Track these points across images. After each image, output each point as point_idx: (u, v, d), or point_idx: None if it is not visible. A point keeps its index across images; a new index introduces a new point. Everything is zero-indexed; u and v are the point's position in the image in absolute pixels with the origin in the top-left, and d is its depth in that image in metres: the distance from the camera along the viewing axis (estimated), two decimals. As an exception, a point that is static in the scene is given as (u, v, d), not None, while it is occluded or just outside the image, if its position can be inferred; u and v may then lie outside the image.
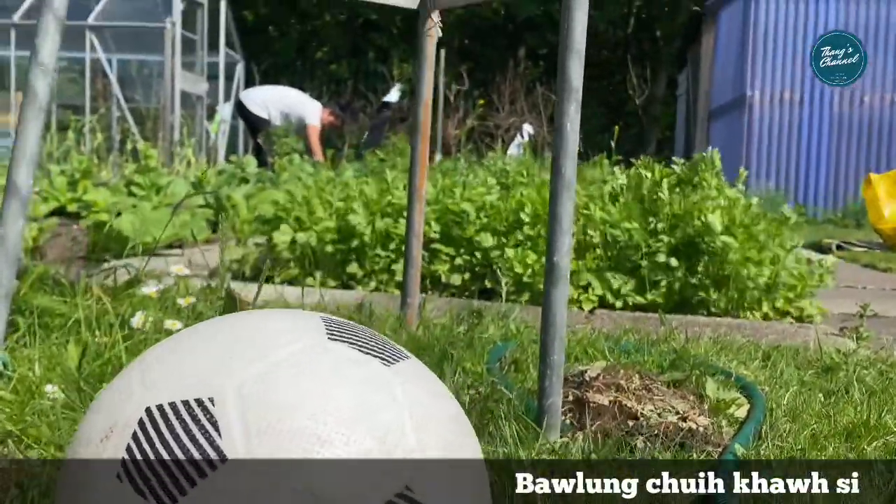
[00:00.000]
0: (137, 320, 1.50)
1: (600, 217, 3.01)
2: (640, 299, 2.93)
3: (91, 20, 12.24)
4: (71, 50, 13.27)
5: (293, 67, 22.88)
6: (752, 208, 3.75)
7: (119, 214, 5.08)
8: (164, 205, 6.11)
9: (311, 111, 10.67)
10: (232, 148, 14.28)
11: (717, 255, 2.89)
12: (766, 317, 2.89)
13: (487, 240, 3.00)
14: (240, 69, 14.73)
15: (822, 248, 6.97)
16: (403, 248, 3.03)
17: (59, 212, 5.72)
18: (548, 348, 1.37)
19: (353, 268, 3.00)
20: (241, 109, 11.06)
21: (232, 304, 2.04)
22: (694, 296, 2.91)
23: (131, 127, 12.54)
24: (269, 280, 3.05)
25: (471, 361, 1.67)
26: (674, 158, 5.92)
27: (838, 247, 6.85)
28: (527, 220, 3.04)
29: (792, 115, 11.22)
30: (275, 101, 10.85)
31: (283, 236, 2.97)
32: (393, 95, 17.33)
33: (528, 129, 14.40)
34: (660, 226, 2.98)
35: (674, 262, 2.91)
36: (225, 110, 14.68)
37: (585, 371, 1.62)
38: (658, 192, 3.02)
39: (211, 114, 14.07)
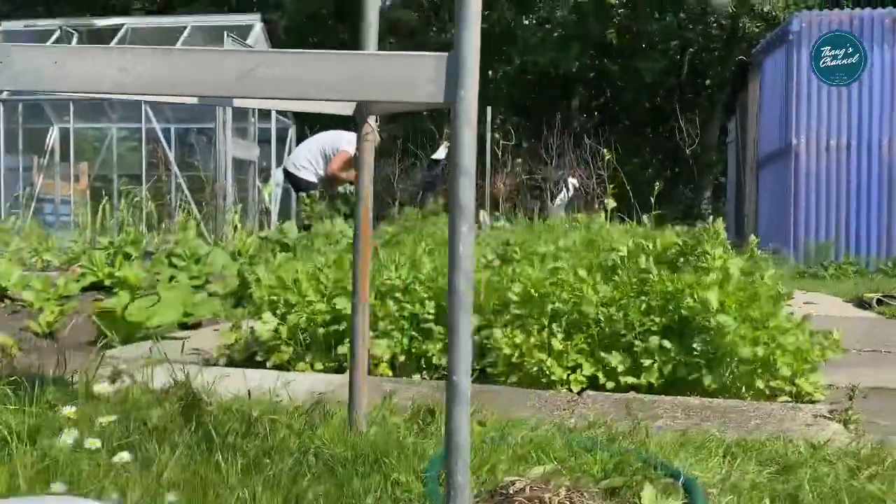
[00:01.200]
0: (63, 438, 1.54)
1: (594, 298, 2.98)
2: (632, 379, 2.87)
3: (145, 92, 12.70)
4: (128, 121, 13.82)
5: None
6: (764, 279, 3.67)
7: (136, 290, 5.22)
8: (203, 275, 6.25)
9: (348, 139, 10.44)
10: (286, 212, 14.45)
11: (711, 334, 2.83)
12: (760, 395, 2.81)
13: (474, 320, 2.99)
14: (291, 133, 15.09)
15: (862, 303, 6.75)
16: (390, 328, 3.05)
17: (97, 286, 5.89)
18: (452, 469, 1.36)
19: (343, 349, 3.02)
20: (288, 177, 10.87)
21: (193, 404, 2.07)
22: (688, 375, 2.84)
23: (186, 194, 12.91)
24: (261, 364, 3.09)
25: (406, 473, 1.65)
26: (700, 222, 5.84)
27: (879, 301, 6.62)
28: (515, 299, 3.03)
29: (840, 162, 10.98)
30: (314, 151, 10.54)
31: (265, 325, 3.01)
32: (441, 153, 17.52)
33: (572, 182, 14.37)
34: (653, 303, 2.94)
35: (666, 343, 2.86)
36: (278, 175, 15.02)
37: (514, 482, 1.60)
38: (650, 272, 2.99)
39: (266, 178, 14.41)
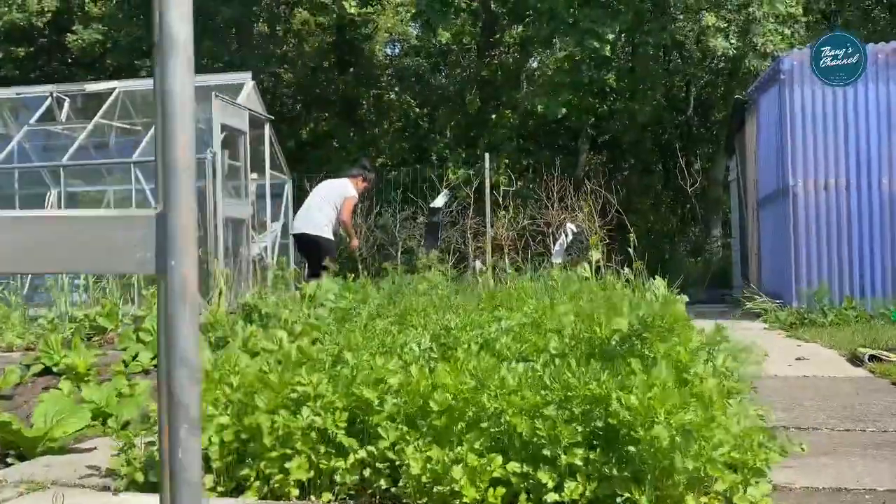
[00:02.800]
0: None
1: (518, 405, 2.74)
2: (556, 497, 2.62)
3: (136, 157, 12.67)
4: (122, 184, 13.78)
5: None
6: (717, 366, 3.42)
7: (84, 378, 5.01)
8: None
9: (347, 185, 10.36)
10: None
11: (638, 446, 2.58)
12: (693, 514, 2.55)
13: (391, 432, 2.76)
14: (288, 188, 14.99)
15: (855, 359, 6.43)
16: (300, 444, 2.82)
17: (51, 371, 5.69)
18: None
19: (245, 470, 2.80)
20: (307, 244, 10.49)
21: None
22: (615, 491, 2.59)
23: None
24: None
25: None
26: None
27: (871, 357, 6.30)
28: (435, 408, 2.80)
29: (839, 201, 10.68)
30: (326, 208, 10.39)
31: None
32: (439, 201, 17.36)
33: (571, 227, 14.10)
34: (575, 410, 2.70)
35: (592, 455, 2.61)
36: (274, 227, 14.91)
37: None
38: (570, 370, 2.75)
39: (261, 230, 14.26)
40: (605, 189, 16.88)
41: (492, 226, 16.11)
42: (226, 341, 6.12)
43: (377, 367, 2.96)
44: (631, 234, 10.69)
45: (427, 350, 3.55)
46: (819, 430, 4.26)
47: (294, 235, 11.18)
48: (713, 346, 3.70)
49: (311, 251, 10.25)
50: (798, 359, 6.74)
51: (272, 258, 14.13)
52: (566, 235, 14.69)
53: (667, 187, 26.56)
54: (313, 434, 2.86)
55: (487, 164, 16.39)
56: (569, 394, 2.74)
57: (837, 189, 10.71)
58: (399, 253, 14.89)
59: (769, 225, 12.25)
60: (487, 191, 16.25)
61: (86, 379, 5.03)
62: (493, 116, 23.68)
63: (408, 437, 2.77)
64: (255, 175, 13.48)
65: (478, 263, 11.96)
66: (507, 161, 22.34)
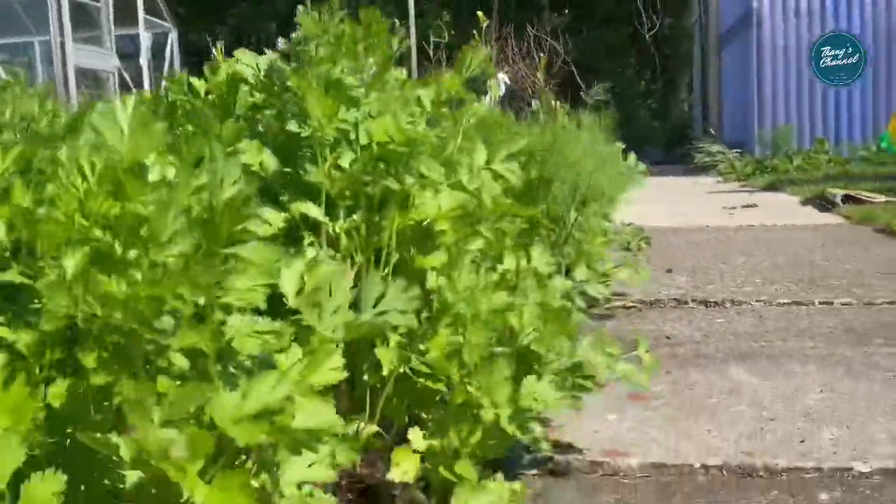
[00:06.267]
0: None
1: None
2: None
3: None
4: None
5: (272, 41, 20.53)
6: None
7: None
8: None
9: None
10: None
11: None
12: None
13: None
14: (173, 40, 12.76)
15: (824, 203, 4.68)
16: None
17: None
18: None
19: None
20: None
21: None
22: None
23: None
24: None
25: None
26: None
27: (845, 199, 4.54)
28: None
29: (812, 25, 8.73)
30: None
31: None
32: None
33: (503, 78, 12.20)
34: None
35: None
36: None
37: None
38: None
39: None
40: (563, 47, 14.87)
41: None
42: None
43: None
44: (588, 94, 8.71)
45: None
46: (743, 304, 2.52)
47: None
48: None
49: None
50: (747, 206, 4.99)
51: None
52: (499, 86, 12.76)
53: (634, 48, 24.26)
54: None
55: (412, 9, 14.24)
56: None
57: (810, 13, 8.76)
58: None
59: (731, 64, 10.33)
60: (414, 44, 14.17)
61: None
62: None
63: None
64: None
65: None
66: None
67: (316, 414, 0.80)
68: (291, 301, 0.84)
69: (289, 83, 1.37)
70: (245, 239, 0.69)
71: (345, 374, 0.85)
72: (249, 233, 0.69)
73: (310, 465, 0.84)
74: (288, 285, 0.83)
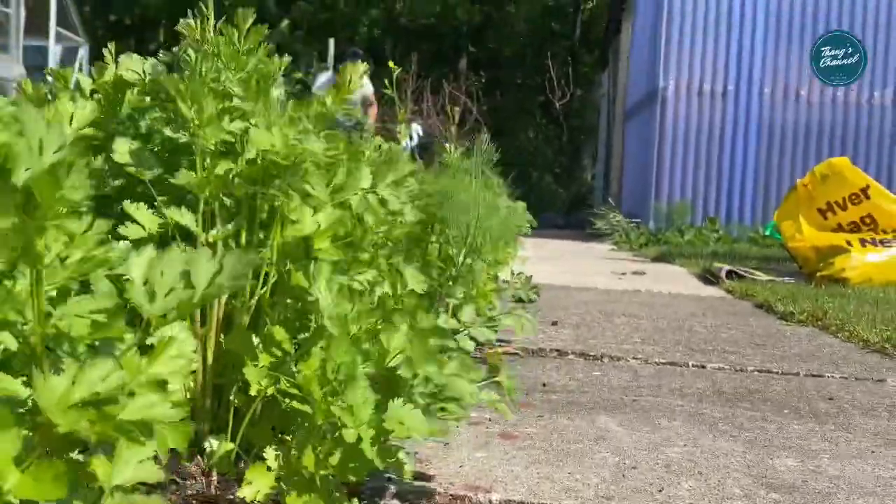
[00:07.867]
0: None
1: None
2: None
3: None
4: None
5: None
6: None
7: None
8: None
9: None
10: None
11: None
12: None
13: None
14: (83, 55, 12.41)
15: (710, 277, 4.87)
16: None
17: None
18: None
19: None
20: None
21: None
22: None
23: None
24: None
25: None
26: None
27: (730, 274, 4.73)
28: None
29: (714, 110, 9.17)
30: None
31: None
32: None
33: (416, 128, 12.35)
34: None
35: None
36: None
37: None
38: None
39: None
40: (477, 106, 15.14)
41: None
42: None
43: None
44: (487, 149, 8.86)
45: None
46: (621, 359, 2.56)
47: None
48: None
49: None
50: (636, 273, 5.13)
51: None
52: (410, 138, 12.88)
53: (544, 116, 24.93)
54: None
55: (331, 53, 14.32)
56: None
57: (713, 95, 9.20)
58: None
59: (634, 138, 10.73)
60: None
61: None
62: (364, 19, 21.43)
63: None
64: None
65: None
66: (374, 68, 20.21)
67: (150, 406, 0.76)
68: (138, 289, 0.80)
69: (169, 88, 1.34)
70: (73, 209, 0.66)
71: (192, 365, 0.81)
72: (73, 203, 0.66)
73: (140, 462, 0.79)
74: (136, 271, 0.80)
